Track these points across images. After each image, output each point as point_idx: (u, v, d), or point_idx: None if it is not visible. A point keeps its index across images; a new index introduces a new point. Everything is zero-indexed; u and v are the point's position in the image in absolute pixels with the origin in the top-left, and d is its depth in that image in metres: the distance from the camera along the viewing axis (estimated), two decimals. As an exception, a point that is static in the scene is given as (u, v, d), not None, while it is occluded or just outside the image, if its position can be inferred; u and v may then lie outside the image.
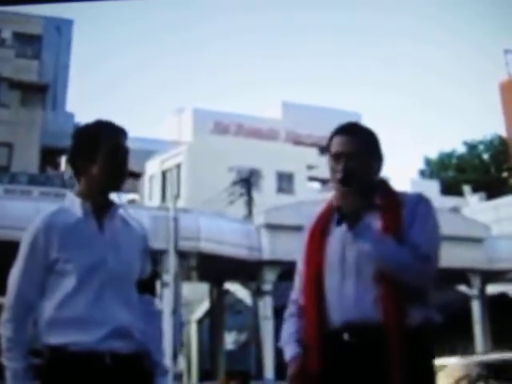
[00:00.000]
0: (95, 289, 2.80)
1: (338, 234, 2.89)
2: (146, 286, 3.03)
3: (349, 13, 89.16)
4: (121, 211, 3.04)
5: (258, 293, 22.95)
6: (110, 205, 2.97)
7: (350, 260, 2.85)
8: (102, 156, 2.89)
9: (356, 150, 2.90)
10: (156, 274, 3.48)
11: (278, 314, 22.83)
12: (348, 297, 2.82)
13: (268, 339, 21.52)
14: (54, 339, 2.77)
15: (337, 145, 2.94)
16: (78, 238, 2.85)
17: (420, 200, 2.94)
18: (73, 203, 2.94)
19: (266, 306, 22.18)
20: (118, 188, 2.99)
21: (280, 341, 3.12)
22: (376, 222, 2.84)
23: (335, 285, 2.86)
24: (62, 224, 2.87)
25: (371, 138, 3.01)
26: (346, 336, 2.81)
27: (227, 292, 26.86)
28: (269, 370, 21.36)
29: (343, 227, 2.83)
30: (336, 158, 2.92)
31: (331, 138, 2.98)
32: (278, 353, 22.66)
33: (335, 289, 2.86)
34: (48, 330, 2.80)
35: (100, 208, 2.94)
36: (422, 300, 2.85)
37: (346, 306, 2.81)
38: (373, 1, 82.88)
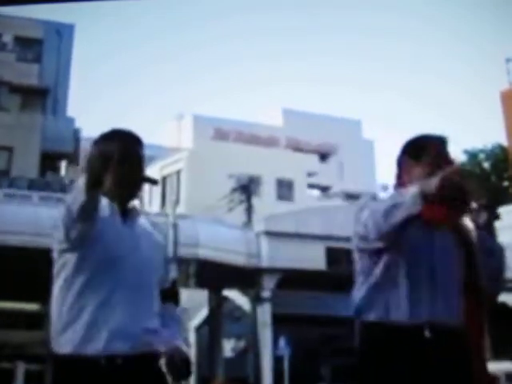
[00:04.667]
0: (106, 288, 2.78)
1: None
2: (169, 295, 3.05)
3: (354, 14, 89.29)
4: (142, 218, 3.06)
5: (256, 300, 22.89)
6: (131, 211, 2.99)
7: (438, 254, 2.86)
8: (114, 164, 2.88)
9: None
10: (176, 281, 3.53)
11: (277, 321, 22.81)
12: (436, 293, 2.80)
13: (267, 346, 21.45)
14: (60, 347, 2.78)
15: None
16: (103, 232, 2.84)
17: None
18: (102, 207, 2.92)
19: (265, 313, 22.13)
20: (131, 195, 3.00)
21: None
22: None
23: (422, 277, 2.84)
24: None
25: None
26: (427, 333, 2.78)
27: (226, 299, 26.78)
28: (267, 378, 21.28)
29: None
30: None
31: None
32: (277, 360, 22.62)
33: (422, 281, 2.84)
34: (57, 337, 2.80)
35: (122, 212, 2.95)
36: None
37: (433, 301, 2.80)
38: (373, 2, 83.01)
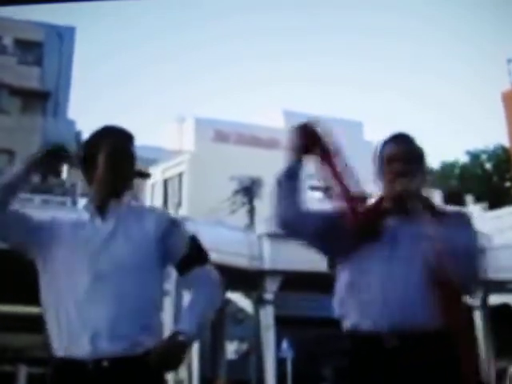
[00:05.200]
0: (84, 288, 2.70)
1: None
2: (191, 260, 2.87)
3: (354, 14, 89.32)
4: (134, 204, 3.00)
5: (259, 302, 22.86)
6: (114, 205, 2.90)
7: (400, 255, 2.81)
8: (101, 159, 2.88)
9: None
10: (194, 240, 3.31)
11: (280, 323, 22.77)
12: (396, 293, 2.75)
13: (269, 349, 21.42)
14: (54, 351, 2.75)
15: None
16: (74, 236, 2.83)
17: None
18: (84, 210, 2.95)
19: (268, 315, 22.09)
20: (120, 189, 2.92)
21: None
22: None
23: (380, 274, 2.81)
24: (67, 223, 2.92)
25: None
26: (394, 341, 2.72)
27: (228, 301, 26.76)
28: (270, 380, 21.24)
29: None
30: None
31: None
32: (280, 362, 22.57)
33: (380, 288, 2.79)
34: (51, 340, 2.77)
35: (106, 206, 2.89)
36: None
37: (392, 304, 2.74)
38: (373, 2, 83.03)
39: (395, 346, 2.69)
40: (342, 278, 2.92)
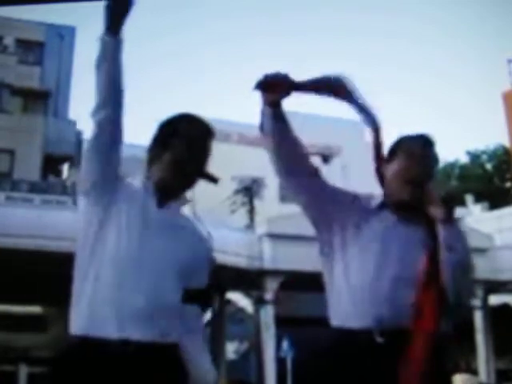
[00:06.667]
0: (132, 268, 2.57)
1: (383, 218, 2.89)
2: (197, 296, 2.76)
3: (354, 14, 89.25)
4: (186, 212, 2.89)
5: (259, 302, 22.84)
6: (174, 198, 2.78)
7: (391, 253, 2.80)
8: (176, 145, 2.75)
9: None
10: (213, 288, 3.15)
11: (280, 323, 22.74)
12: (384, 293, 2.73)
13: (269, 349, 21.40)
14: (75, 328, 2.58)
15: None
16: (132, 211, 2.67)
17: None
18: (136, 183, 2.80)
19: (268, 315, 22.07)
20: (184, 184, 2.82)
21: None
22: None
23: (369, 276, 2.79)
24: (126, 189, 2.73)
25: None
26: (378, 338, 2.71)
27: (228, 301, 26.74)
28: (270, 379, 21.23)
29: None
30: None
31: None
32: (280, 362, 22.55)
33: (369, 284, 2.77)
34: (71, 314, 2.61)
35: (164, 197, 2.74)
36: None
37: (380, 302, 2.73)
38: (373, 2, 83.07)
39: (383, 342, 2.69)
40: (335, 275, 2.94)
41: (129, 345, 2.50)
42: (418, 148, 2.96)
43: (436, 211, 2.80)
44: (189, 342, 2.70)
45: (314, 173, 2.99)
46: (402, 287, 2.72)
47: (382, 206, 2.95)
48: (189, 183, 2.84)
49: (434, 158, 3.02)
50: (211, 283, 2.84)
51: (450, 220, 2.79)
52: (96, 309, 2.54)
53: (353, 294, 2.79)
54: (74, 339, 2.57)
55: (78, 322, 2.58)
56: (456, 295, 2.73)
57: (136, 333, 2.52)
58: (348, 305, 2.80)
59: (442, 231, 2.77)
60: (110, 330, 2.50)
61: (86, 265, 2.61)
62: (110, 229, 2.64)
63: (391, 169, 2.97)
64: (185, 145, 2.75)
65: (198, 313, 2.81)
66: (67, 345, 2.60)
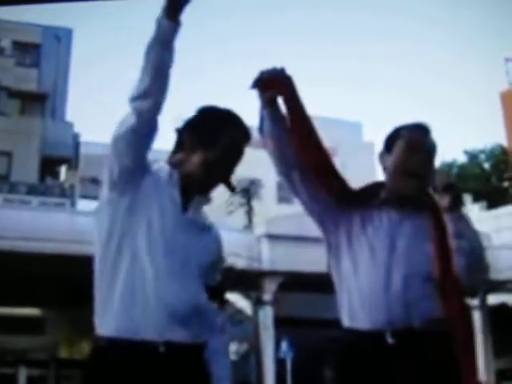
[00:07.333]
0: (170, 267, 2.52)
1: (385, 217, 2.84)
2: (214, 294, 2.78)
3: (354, 14, 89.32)
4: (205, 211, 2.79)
5: (258, 303, 22.82)
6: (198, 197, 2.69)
7: (399, 249, 2.75)
8: (218, 146, 2.65)
9: None
10: (226, 285, 3.18)
11: (279, 324, 22.72)
12: (394, 293, 2.70)
13: (268, 350, 21.38)
14: (104, 329, 2.50)
15: None
16: (161, 204, 2.59)
17: None
18: (161, 169, 2.73)
19: (267, 316, 22.05)
20: (209, 187, 2.72)
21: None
22: None
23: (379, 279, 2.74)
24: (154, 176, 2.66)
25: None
26: (389, 339, 2.68)
27: (227, 302, 26.73)
28: (269, 380, 21.21)
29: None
30: None
31: None
32: (279, 363, 22.53)
33: (379, 284, 2.73)
34: (99, 315, 2.53)
35: (188, 193, 2.65)
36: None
37: (391, 303, 2.69)
38: (373, 2, 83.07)
39: (394, 343, 2.66)
40: (344, 275, 2.89)
41: (171, 347, 2.47)
42: (416, 137, 2.94)
43: (441, 200, 2.79)
44: (215, 342, 2.73)
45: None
46: (412, 285, 2.69)
47: (385, 201, 2.92)
48: (213, 187, 2.75)
49: (432, 146, 2.97)
50: (223, 280, 2.91)
51: (456, 207, 2.77)
52: (131, 309, 2.48)
53: (363, 294, 2.76)
54: (107, 340, 2.49)
55: (110, 323, 2.49)
56: (470, 280, 2.73)
57: (175, 334, 2.49)
58: (358, 305, 2.77)
59: (448, 219, 2.75)
60: (149, 332, 2.45)
61: (112, 263, 2.53)
62: (140, 219, 2.56)
63: (391, 161, 2.96)
64: (227, 149, 2.67)
65: (217, 311, 2.83)
66: (99, 346, 2.52)
